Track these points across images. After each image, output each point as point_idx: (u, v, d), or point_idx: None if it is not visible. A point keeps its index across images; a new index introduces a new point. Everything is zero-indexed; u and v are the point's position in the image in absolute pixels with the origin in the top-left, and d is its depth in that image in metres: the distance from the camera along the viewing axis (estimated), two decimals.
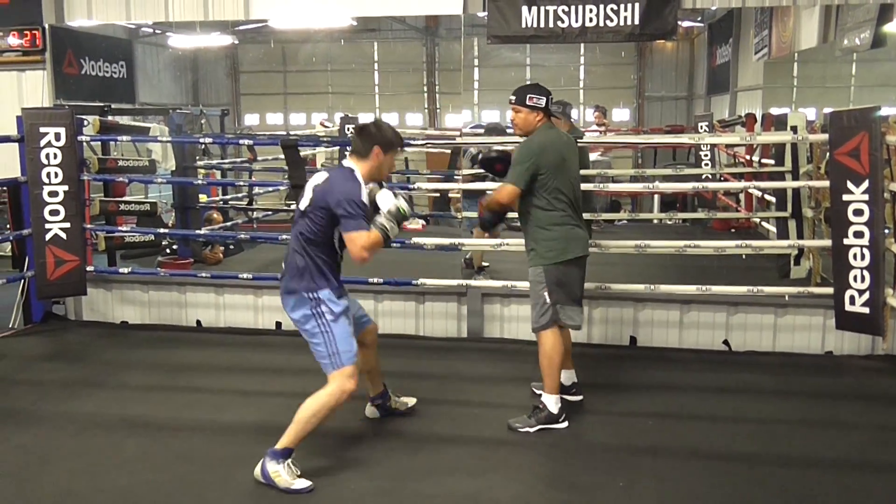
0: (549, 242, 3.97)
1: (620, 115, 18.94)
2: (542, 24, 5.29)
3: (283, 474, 3.37)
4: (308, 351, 5.34)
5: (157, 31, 17.64)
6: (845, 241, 4.39)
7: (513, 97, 4.06)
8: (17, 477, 3.48)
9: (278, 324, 5.82)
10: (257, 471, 3.42)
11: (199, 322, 5.97)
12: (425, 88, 19.68)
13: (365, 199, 3.46)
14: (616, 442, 3.84)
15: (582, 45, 17.33)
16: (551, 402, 3.99)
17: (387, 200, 3.55)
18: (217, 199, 9.31)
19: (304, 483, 3.38)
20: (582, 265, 4.11)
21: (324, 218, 3.46)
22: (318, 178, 3.57)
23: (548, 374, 4.00)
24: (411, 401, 4.24)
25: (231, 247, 8.39)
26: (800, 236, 6.16)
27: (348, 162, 3.61)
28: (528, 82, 4.18)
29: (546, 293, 3.96)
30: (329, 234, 3.50)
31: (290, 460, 3.42)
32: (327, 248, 3.53)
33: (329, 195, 3.44)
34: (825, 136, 4.69)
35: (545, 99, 4.00)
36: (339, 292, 3.58)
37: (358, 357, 3.58)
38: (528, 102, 4.01)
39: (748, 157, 8.74)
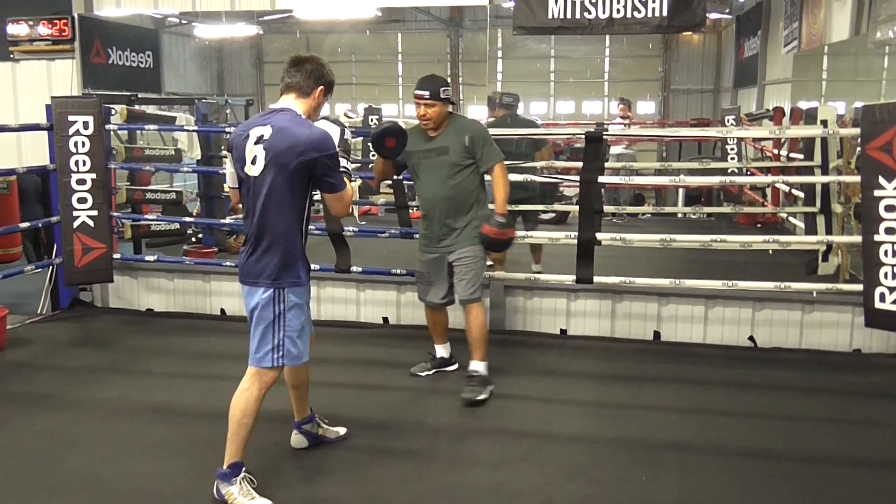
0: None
1: (646, 107, 18.79)
2: (568, 16, 5.24)
3: (237, 495, 3.07)
4: (328, 342, 5.36)
5: (183, 22, 17.75)
6: (876, 238, 4.31)
7: (424, 92, 4.04)
8: (44, 460, 3.53)
9: None
10: (215, 492, 3.13)
11: (222, 310, 6.01)
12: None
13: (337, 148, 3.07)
14: (639, 436, 3.82)
15: (608, 36, 17.21)
16: (483, 367, 4.31)
17: (334, 132, 3.11)
18: None
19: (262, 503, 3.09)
20: None
21: (294, 181, 2.99)
22: (262, 132, 3.03)
23: (485, 343, 4.33)
24: (342, 430, 3.75)
25: None
26: (828, 232, 6.08)
27: (286, 102, 3.14)
28: (431, 74, 4.26)
29: (483, 269, 4.32)
30: (303, 202, 3.07)
31: (240, 476, 3.11)
32: (301, 221, 3.09)
33: (301, 151, 2.96)
34: (856, 131, 4.60)
35: (451, 90, 4.15)
36: (305, 275, 3.16)
37: (307, 354, 3.28)
38: (442, 95, 4.06)
39: (776, 152, 8.64)
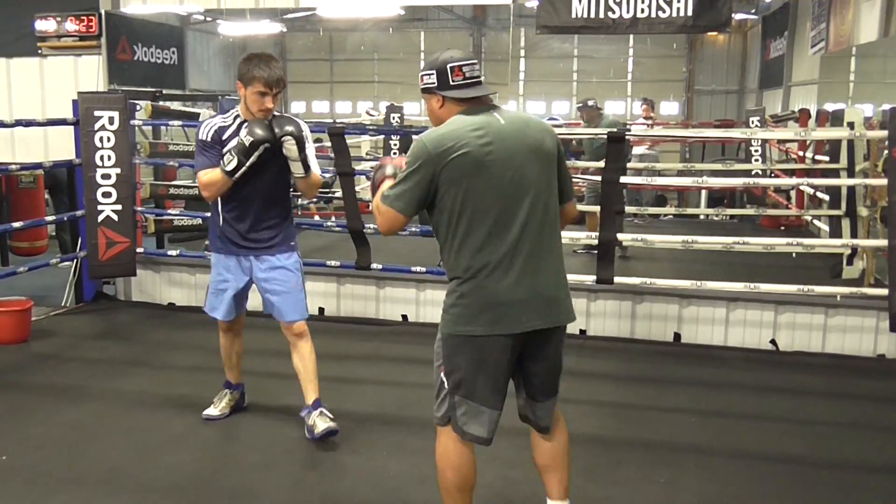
0: (453, 299, 2.50)
1: (669, 108, 18.68)
2: (592, 15, 5.22)
3: (214, 398, 3.95)
4: (347, 338, 5.40)
5: (207, 19, 17.89)
6: None
7: None
8: (68, 452, 3.58)
9: (321, 309, 5.87)
10: None
11: None
12: None
13: (205, 135, 3.52)
14: (658, 438, 3.80)
15: (632, 36, 17.13)
16: None
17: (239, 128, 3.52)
18: None
19: (212, 411, 3.91)
20: (510, 347, 2.48)
21: None
22: None
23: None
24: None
25: None
26: (853, 235, 6.02)
27: None
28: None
29: (443, 372, 2.57)
30: None
31: (224, 391, 3.97)
32: (217, 204, 3.64)
33: None
34: (884, 133, 4.55)
35: (434, 72, 2.54)
36: (214, 248, 3.75)
37: (217, 312, 3.83)
38: (420, 84, 2.62)
39: (801, 154, 8.55)
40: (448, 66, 2.53)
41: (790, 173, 8.43)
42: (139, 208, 6.10)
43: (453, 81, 2.52)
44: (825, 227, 7.12)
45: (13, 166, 5.89)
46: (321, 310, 5.87)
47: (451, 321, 2.51)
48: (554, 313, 2.54)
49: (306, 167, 3.51)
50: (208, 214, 6.93)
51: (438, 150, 2.41)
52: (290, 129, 3.42)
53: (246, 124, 3.46)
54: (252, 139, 3.37)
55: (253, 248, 3.64)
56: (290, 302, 3.70)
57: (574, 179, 4.12)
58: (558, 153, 2.60)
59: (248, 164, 3.41)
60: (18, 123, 5.61)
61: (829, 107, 8.63)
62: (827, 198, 6.91)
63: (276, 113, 3.56)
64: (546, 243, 2.52)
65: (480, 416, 2.53)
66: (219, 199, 3.59)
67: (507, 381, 2.58)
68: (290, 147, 3.43)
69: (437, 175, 2.42)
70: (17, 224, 5.91)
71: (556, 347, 2.62)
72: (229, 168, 3.41)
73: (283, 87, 3.51)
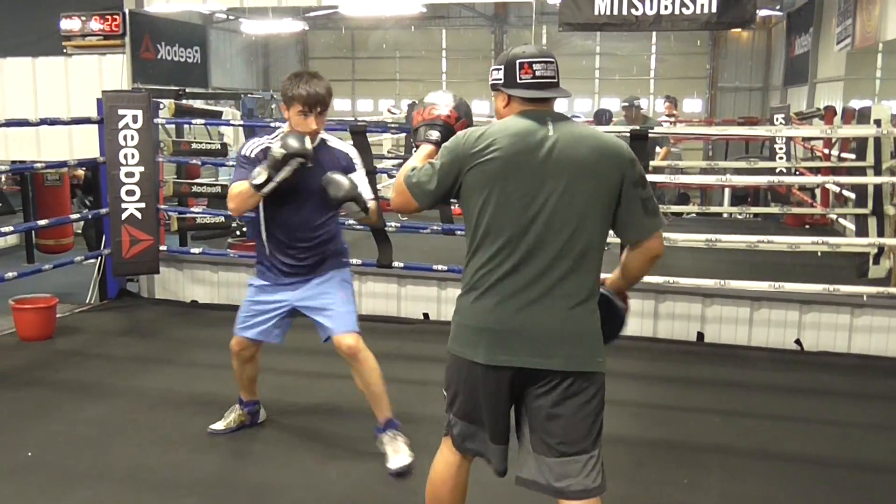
0: (455, 315, 2.39)
1: (692, 105, 18.54)
2: (615, 12, 5.19)
3: (225, 412, 3.82)
4: (369, 336, 5.40)
5: (230, 17, 18.02)
6: None
7: None
8: (92, 448, 3.61)
9: None
10: None
11: None
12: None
13: (249, 151, 3.31)
14: (681, 438, 3.77)
15: (655, 33, 17.04)
16: None
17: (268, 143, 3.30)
18: None
19: (218, 425, 3.77)
20: (490, 377, 2.28)
21: None
22: None
23: None
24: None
25: None
26: (880, 234, 5.93)
27: None
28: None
29: (444, 387, 2.46)
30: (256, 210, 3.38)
31: (234, 405, 3.82)
32: (255, 226, 3.44)
33: None
34: None
35: (502, 68, 2.32)
36: (261, 277, 3.52)
37: (240, 332, 3.64)
38: (489, 80, 2.42)
39: (826, 152, 8.45)
40: (517, 61, 2.27)
41: (815, 171, 8.33)
42: (162, 206, 6.14)
43: (520, 79, 2.27)
44: (851, 226, 7.03)
45: (38, 164, 5.96)
46: None
47: (450, 335, 2.39)
48: (543, 353, 2.20)
49: (364, 208, 3.26)
50: (229, 212, 6.98)
51: (472, 148, 2.23)
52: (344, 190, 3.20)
53: (280, 136, 3.22)
54: (284, 152, 3.08)
55: (302, 275, 3.47)
56: (336, 315, 3.52)
57: None
58: (623, 180, 2.22)
59: (277, 179, 3.11)
60: (44, 122, 5.68)
61: (856, 104, 8.52)
62: (853, 196, 6.82)
63: (324, 137, 3.38)
64: (564, 276, 2.20)
65: (477, 435, 2.43)
66: (262, 228, 3.40)
67: (496, 414, 2.35)
68: (350, 209, 3.26)
69: (462, 174, 2.25)
70: (42, 222, 5.99)
71: (564, 396, 2.22)
72: (257, 182, 3.13)
73: (327, 107, 3.27)
